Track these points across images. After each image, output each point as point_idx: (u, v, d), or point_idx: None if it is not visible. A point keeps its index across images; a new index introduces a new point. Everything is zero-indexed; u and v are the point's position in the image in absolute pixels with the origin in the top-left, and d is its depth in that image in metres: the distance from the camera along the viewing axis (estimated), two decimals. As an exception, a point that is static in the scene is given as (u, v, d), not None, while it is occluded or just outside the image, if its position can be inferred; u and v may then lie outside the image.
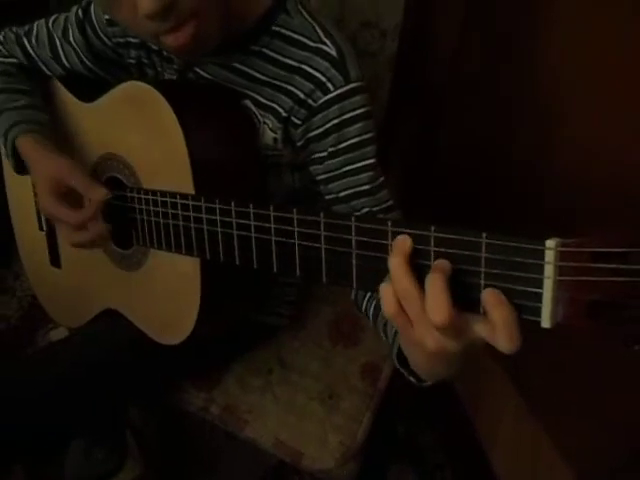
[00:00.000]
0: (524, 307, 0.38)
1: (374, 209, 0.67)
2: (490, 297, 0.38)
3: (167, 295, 0.73)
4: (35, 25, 0.82)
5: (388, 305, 0.41)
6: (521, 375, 1.05)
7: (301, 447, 0.87)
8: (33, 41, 0.82)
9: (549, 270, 0.36)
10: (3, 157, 0.95)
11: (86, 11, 0.76)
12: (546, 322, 0.37)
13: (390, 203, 0.68)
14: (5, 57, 0.84)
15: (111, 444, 1.12)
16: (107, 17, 0.74)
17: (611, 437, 0.83)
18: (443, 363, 0.44)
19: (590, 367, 0.83)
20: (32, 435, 0.77)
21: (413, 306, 0.40)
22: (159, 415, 1.27)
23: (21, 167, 0.78)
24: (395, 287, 0.40)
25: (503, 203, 0.97)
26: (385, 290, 0.41)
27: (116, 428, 1.15)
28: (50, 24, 0.81)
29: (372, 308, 0.66)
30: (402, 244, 0.41)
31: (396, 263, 0.40)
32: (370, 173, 0.67)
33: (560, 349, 0.82)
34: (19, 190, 0.94)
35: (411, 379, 0.54)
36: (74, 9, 0.78)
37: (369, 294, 0.67)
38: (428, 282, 0.39)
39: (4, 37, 0.84)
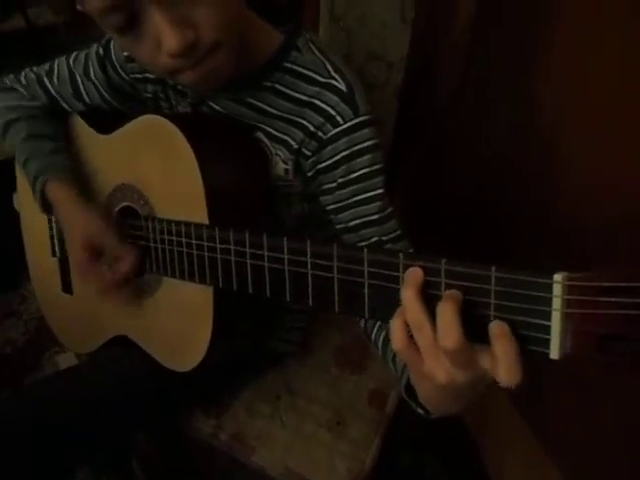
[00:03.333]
0: (533, 339, 0.39)
1: (383, 238, 0.68)
2: (495, 329, 0.39)
3: (179, 323, 0.74)
4: (55, 64, 0.85)
5: (397, 338, 0.42)
6: (527, 404, 1.05)
7: (309, 474, 0.87)
8: (55, 80, 0.85)
9: (557, 303, 0.37)
10: (18, 185, 0.98)
11: (106, 49, 0.79)
12: (554, 354, 0.38)
13: (399, 232, 0.70)
14: (28, 101, 0.86)
15: (118, 470, 1.12)
16: (126, 54, 0.77)
17: (617, 463, 0.83)
18: (452, 396, 0.45)
19: (597, 397, 0.83)
20: (40, 463, 0.77)
21: (424, 337, 0.41)
22: (164, 442, 1.27)
23: (48, 209, 0.80)
24: (407, 318, 0.42)
25: (507, 224, 0.98)
26: (395, 323, 0.42)
27: (123, 454, 1.14)
28: (71, 62, 0.83)
29: (382, 338, 0.67)
30: (414, 276, 0.42)
31: (409, 295, 0.41)
32: (379, 203, 0.68)
33: (566, 378, 0.82)
34: (32, 216, 0.96)
35: (419, 411, 0.54)
36: (94, 47, 0.81)
37: (379, 323, 0.68)
38: (440, 309, 0.40)
39: (25, 78, 0.87)
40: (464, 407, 0.47)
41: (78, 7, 0.58)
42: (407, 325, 0.42)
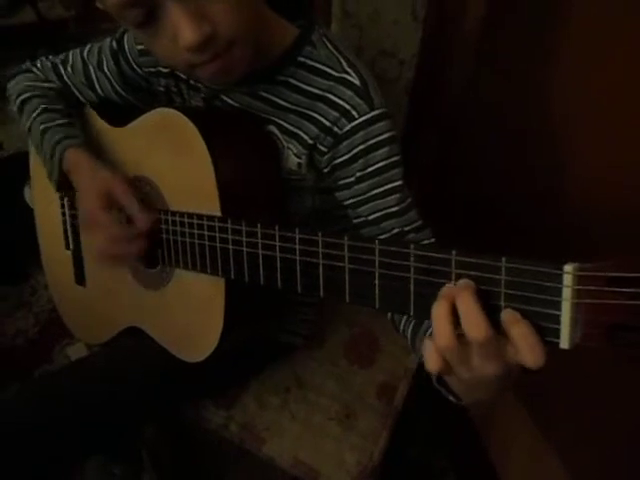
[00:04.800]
0: (543, 328, 0.39)
1: (404, 229, 0.69)
2: (506, 316, 0.40)
3: (191, 313, 0.75)
4: (70, 54, 0.87)
5: (432, 362, 0.43)
6: (534, 401, 1.05)
7: (318, 466, 0.88)
8: (69, 69, 0.86)
9: (567, 293, 0.37)
10: (32, 179, 0.99)
11: (120, 42, 0.81)
12: (565, 343, 0.38)
13: (419, 223, 0.70)
14: (43, 81, 0.88)
15: (128, 460, 1.13)
16: (139, 48, 0.79)
17: (625, 461, 0.83)
18: (480, 388, 0.46)
19: (604, 393, 0.83)
20: (54, 451, 0.78)
21: (453, 357, 0.42)
22: (174, 433, 1.28)
23: (62, 182, 0.80)
24: (437, 342, 0.42)
25: (513, 225, 0.98)
26: (429, 347, 0.43)
27: (133, 445, 1.16)
28: (85, 54, 0.85)
29: (410, 329, 0.67)
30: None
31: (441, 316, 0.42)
32: (398, 195, 0.68)
33: (573, 375, 0.83)
34: (46, 209, 0.98)
35: (450, 398, 0.55)
36: (107, 40, 0.82)
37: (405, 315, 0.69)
38: (459, 302, 0.41)
39: (41, 64, 0.89)
40: (495, 395, 0.48)
41: (98, 4, 0.59)
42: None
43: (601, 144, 0.79)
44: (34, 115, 0.83)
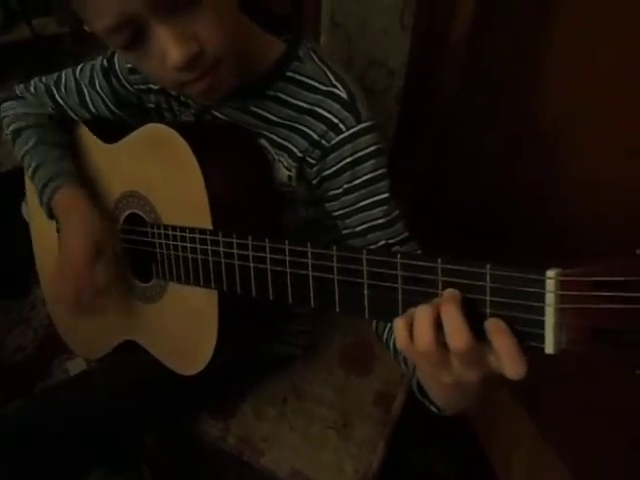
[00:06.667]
0: (528, 334, 0.40)
1: (390, 241, 0.69)
2: (490, 325, 0.40)
3: (185, 327, 0.75)
4: (63, 74, 0.87)
5: (401, 338, 0.43)
6: (533, 403, 1.05)
7: (317, 476, 0.88)
8: (62, 90, 0.87)
9: (550, 298, 0.38)
10: (28, 195, 1.00)
11: (110, 61, 0.81)
12: (550, 348, 0.39)
13: (406, 235, 0.70)
14: (37, 109, 0.89)
15: (128, 473, 1.13)
16: (129, 66, 0.79)
17: (628, 466, 0.83)
18: (461, 394, 0.47)
19: (604, 394, 0.83)
20: (55, 465, 0.78)
21: (431, 359, 0.43)
22: (174, 446, 1.28)
23: (53, 215, 0.82)
24: (417, 345, 0.43)
25: (507, 230, 0.99)
26: (398, 324, 0.43)
27: (133, 457, 1.16)
28: (77, 73, 0.86)
29: (392, 340, 0.67)
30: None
31: (425, 327, 0.42)
32: (384, 207, 0.69)
33: (572, 377, 0.83)
34: (42, 225, 0.98)
35: (432, 409, 0.55)
36: (99, 59, 0.83)
37: (389, 326, 0.69)
38: (443, 311, 0.41)
39: (35, 88, 0.89)
40: (475, 403, 0.49)
41: (86, 28, 0.60)
42: (410, 325, 0.43)
43: (593, 145, 0.79)
44: (27, 148, 0.84)
